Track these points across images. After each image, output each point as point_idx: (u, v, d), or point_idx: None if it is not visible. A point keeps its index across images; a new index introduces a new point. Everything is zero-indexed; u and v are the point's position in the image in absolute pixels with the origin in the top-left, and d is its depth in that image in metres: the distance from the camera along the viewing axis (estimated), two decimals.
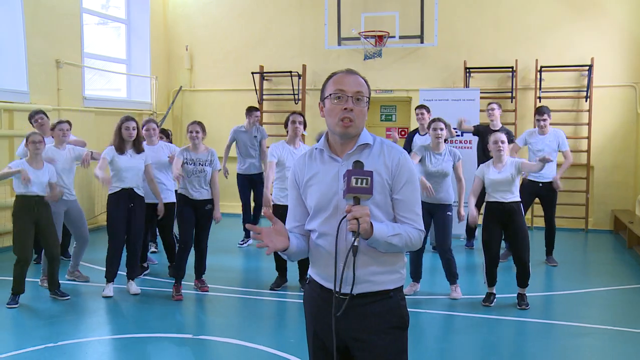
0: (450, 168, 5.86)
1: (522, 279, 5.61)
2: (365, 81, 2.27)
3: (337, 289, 2.11)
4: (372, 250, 2.16)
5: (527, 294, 5.63)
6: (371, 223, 2.06)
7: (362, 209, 2.03)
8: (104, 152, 5.91)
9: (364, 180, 2.04)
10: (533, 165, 5.70)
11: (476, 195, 5.71)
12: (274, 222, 2.18)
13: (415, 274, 6.04)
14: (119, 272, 6.01)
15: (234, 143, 8.22)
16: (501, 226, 5.63)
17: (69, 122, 6.34)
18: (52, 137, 6.24)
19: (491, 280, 5.69)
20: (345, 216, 2.06)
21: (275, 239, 2.17)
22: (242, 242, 8.26)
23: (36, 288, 6.08)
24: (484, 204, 5.74)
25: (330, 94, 2.21)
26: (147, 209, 6.21)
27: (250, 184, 8.26)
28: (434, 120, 5.99)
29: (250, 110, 8.25)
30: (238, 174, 8.24)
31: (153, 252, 7.60)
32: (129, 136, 5.84)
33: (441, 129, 5.87)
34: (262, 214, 2.24)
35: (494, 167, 5.60)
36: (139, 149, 5.95)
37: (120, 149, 5.84)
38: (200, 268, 6.11)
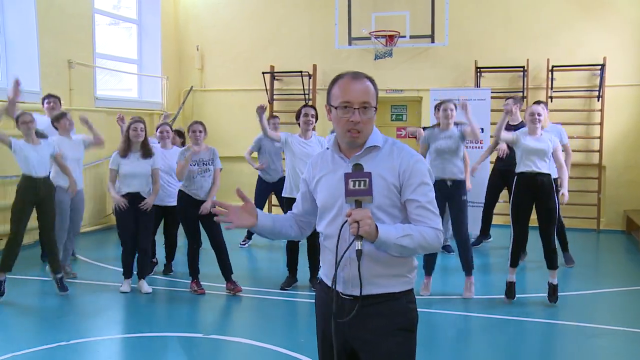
0: (457, 145, 5.78)
1: (549, 257, 5.53)
2: (372, 82, 2.20)
3: (335, 293, 2.12)
4: (374, 252, 2.11)
5: (536, 295, 5.59)
6: (376, 226, 2.01)
7: (363, 212, 1.98)
8: (110, 163, 5.96)
9: (362, 182, 2.02)
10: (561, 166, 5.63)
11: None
12: (245, 201, 2.28)
13: (428, 266, 5.89)
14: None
15: (258, 150, 8.08)
16: (532, 200, 5.55)
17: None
18: (57, 128, 6.31)
19: (514, 260, 5.62)
20: (346, 221, 2.01)
21: (242, 217, 2.27)
22: (243, 242, 8.31)
23: (47, 286, 6.12)
24: (515, 176, 5.64)
25: (336, 107, 2.17)
26: (157, 211, 6.30)
27: (270, 191, 8.23)
28: (443, 102, 5.93)
29: (269, 117, 8.23)
30: (259, 177, 8.15)
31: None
32: (135, 137, 5.87)
33: (451, 110, 5.81)
34: (235, 192, 2.29)
35: (530, 136, 5.54)
36: (145, 154, 5.95)
37: (124, 150, 5.87)
38: (225, 269, 6.00)
